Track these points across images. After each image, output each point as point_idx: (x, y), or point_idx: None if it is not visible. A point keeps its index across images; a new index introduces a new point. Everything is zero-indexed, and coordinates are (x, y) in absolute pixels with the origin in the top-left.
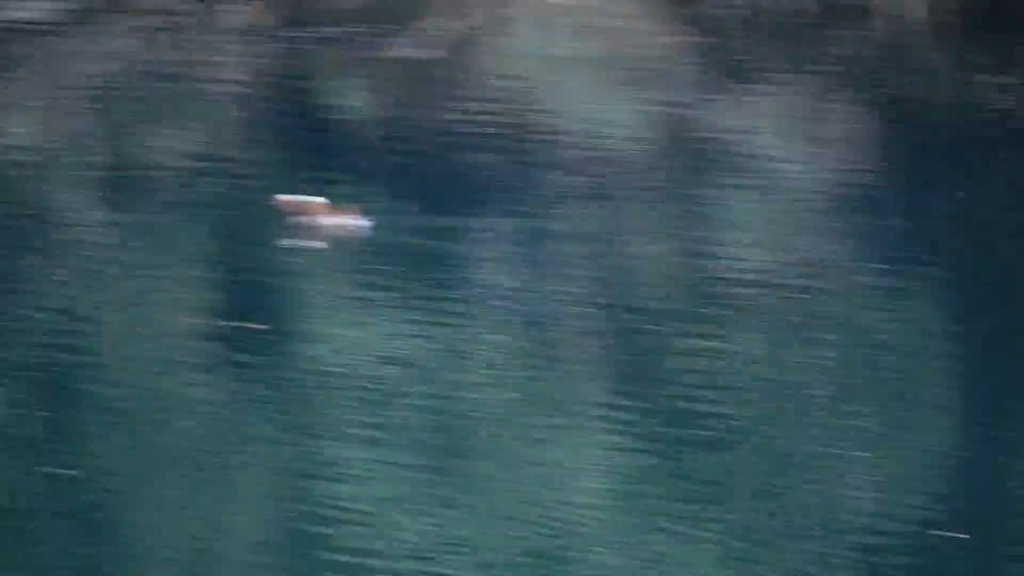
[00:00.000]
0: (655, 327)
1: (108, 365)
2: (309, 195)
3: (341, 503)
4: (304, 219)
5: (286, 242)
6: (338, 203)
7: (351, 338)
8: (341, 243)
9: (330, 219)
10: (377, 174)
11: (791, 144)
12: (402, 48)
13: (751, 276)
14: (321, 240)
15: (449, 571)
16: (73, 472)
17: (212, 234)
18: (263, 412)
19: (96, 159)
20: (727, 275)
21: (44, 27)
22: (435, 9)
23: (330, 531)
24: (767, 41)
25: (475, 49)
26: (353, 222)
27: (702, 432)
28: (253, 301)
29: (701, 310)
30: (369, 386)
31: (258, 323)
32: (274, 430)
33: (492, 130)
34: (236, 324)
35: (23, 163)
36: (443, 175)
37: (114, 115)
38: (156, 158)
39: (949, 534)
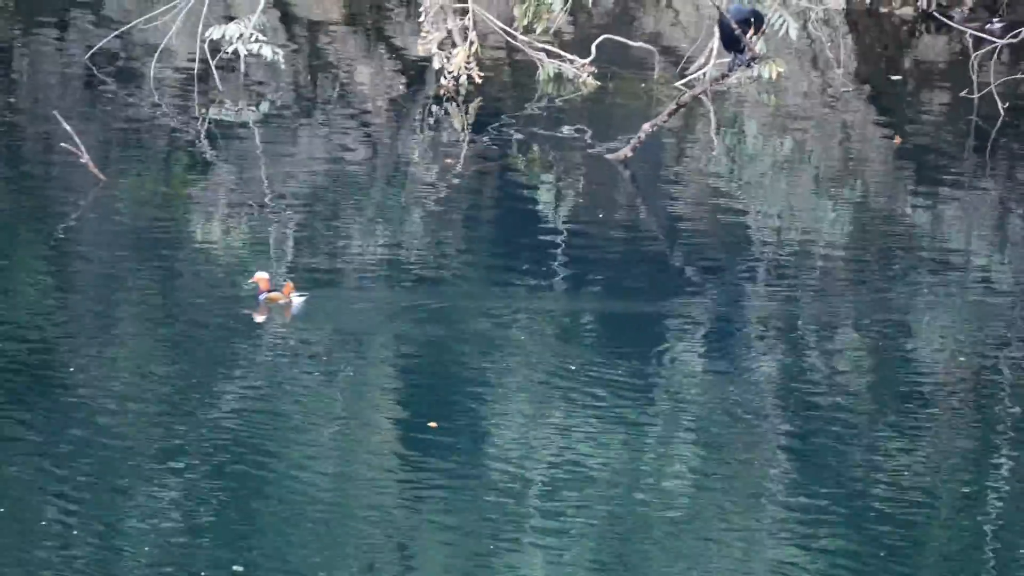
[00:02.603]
0: (850, 426)
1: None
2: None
3: None
4: (272, 295)
5: (259, 318)
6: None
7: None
8: (527, 329)
9: (293, 296)
10: (576, 263)
11: (993, 245)
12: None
13: (951, 376)
14: (288, 315)
15: None
16: None
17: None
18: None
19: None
20: (925, 373)
21: (246, 128)
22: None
23: None
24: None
25: (671, 147)
26: (296, 300)
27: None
28: (427, 397)
29: (896, 408)
30: (548, 488)
31: (434, 422)
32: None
33: (687, 223)
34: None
35: (225, 266)
36: (641, 265)
37: (315, 215)
38: (360, 259)
39: None
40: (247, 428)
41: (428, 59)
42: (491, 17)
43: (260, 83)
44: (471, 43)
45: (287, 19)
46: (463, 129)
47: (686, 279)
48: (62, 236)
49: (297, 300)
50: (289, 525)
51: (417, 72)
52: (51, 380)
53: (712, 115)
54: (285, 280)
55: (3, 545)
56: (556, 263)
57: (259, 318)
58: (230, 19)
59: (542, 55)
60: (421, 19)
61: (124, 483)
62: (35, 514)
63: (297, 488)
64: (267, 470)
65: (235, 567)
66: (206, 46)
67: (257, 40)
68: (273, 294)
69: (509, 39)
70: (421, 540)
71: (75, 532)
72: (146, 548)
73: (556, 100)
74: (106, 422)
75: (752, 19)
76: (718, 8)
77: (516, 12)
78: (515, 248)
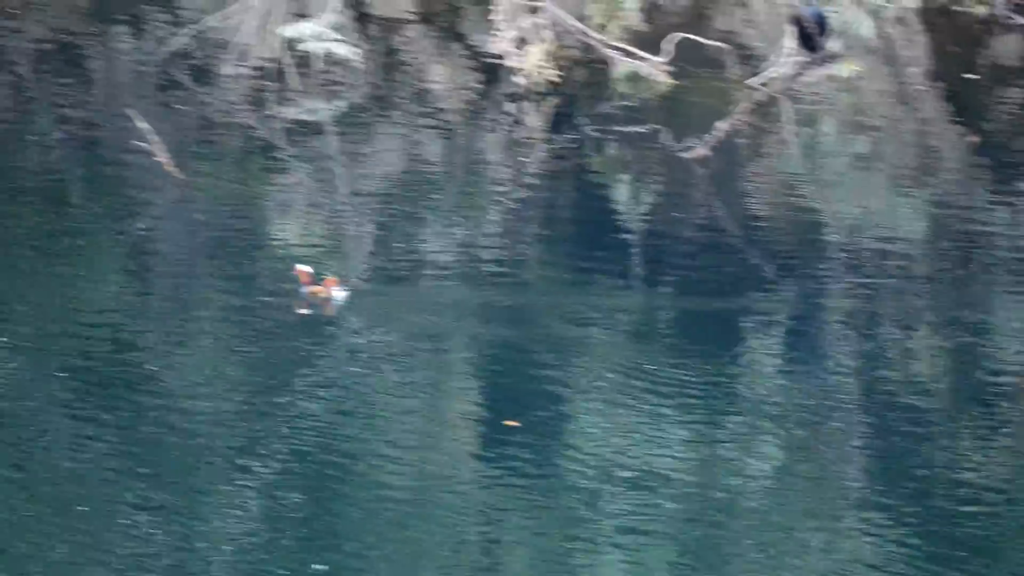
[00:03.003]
0: (924, 425)
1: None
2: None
3: None
4: (315, 289)
5: (302, 311)
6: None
7: (607, 433)
8: (604, 328)
9: (335, 291)
10: (652, 262)
11: None
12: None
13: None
14: (330, 310)
15: None
16: None
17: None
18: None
19: (371, 259)
20: (1003, 371)
21: (321, 126)
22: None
23: None
24: None
25: (746, 146)
26: (339, 294)
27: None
28: (504, 396)
29: (975, 406)
30: (626, 486)
31: (513, 419)
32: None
33: (761, 224)
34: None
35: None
36: (717, 263)
37: (391, 213)
38: (436, 258)
39: None
40: (325, 427)
41: (502, 57)
42: (566, 15)
43: (335, 81)
44: (545, 41)
45: (361, 17)
46: (537, 128)
47: (763, 277)
48: (138, 234)
49: (339, 295)
50: (368, 524)
51: (491, 70)
52: (128, 379)
53: (786, 114)
54: (327, 274)
55: (84, 544)
56: (632, 262)
57: (302, 312)
58: (304, 16)
59: (616, 53)
60: (495, 17)
61: (203, 482)
62: (115, 513)
63: (376, 487)
64: (346, 470)
65: (315, 566)
66: (281, 44)
67: (332, 38)
68: (315, 287)
69: (583, 37)
70: (500, 538)
71: (155, 531)
72: (225, 547)
73: (630, 99)
74: (184, 421)
75: (824, 18)
76: (793, 7)
77: (590, 10)
78: (591, 247)
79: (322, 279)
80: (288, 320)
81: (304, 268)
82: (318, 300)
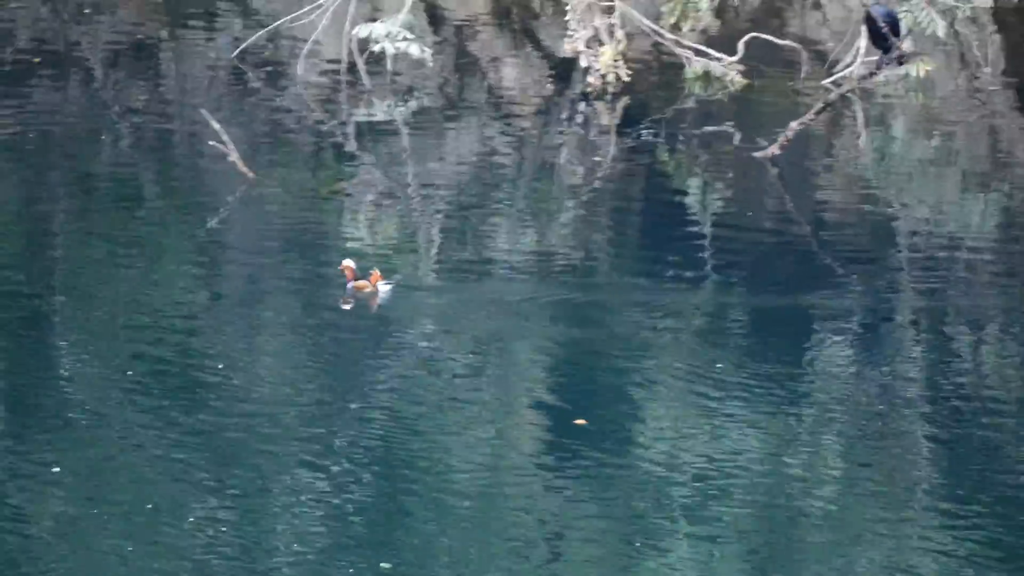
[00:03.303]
0: (996, 423)
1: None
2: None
3: None
4: (359, 284)
5: (346, 305)
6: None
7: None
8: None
9: (379, 285)
10: (724, 260)
11: None
12: (747, 145)
13: None
14: (374, 304)
15: None
16: None
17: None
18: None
19: (442, 258)
20: None
21: (393, 126)
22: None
23: None
24: None
25: (818, 145)
26: (383, 288)
27: None
28: (574, 393)
29: None
30: (697, 483)
31: (582, 419)
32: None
33: (833, 223)
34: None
35: (374, 263)
36: (788, 262)
37: (462, 213)
38: (507, 256)
39: None
40: (394, 425)
41: (575, 57)
42: (638, 15)
43: (407, 81)
44: (618, 41)
45: (434, 17)
46: (610, 127)
47: (834, 276)
48: (211, 233)
49: (384, 289)
50: (437, 523)
51: (564, 70)
52: (200, 377)
53: (859, 113)
54: (373, 270)
55: (153, 540)
56: (703, 260)
57: (345, 306)
58: (377, 16)
59: (689, 53)
60: (568, 17)
61: (272, 481)
62: (184, 511)
63: (445, 485)
64: (414, 468)
65: (383, 564)
66: (353, 44)
67: (404, 38)
68: (360, 282)
69: (656, 37)
70: (570, 536)
71: (224, 529)
72: (295, 546)
73: (703, 98)
74: (253, 419)
75: (897, 18)
76: (866, 6)
77: (663, 10)
78: (662, 245)
79: (368, 274)
80: (358, 318)
81: (349, 263)
82: (363, 295)
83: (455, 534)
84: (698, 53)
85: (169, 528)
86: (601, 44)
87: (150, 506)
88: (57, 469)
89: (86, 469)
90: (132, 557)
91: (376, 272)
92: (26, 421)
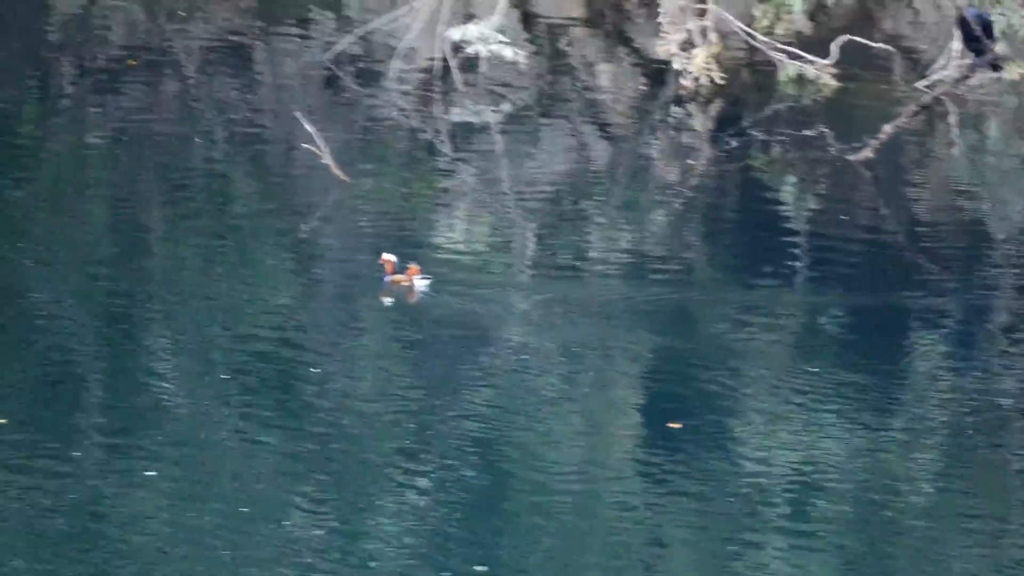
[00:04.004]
0: None
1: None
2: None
3: None
4: (397, 278)
5: (385, 299)
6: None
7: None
8: (769, 330)
9: (417, 280)
10: (818, 264)
11: None
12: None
13: None
14: (412, 298)
15: None
16: None
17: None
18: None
19: (536, 260)
20: None
21: (487, 128)
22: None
23: None
24: None
25: (912, 148)
26: (420, 283)
27: None
28: (668, 397)
29: None
30: (791, 488)
31: (676, 422)
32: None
33: (927, 226)
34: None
35: (468, 265)
36: (883, 266)
37: (556, 214)
38: (602, 258)
39: None
40: (489, 428)
41: (668, 60)
42: (731, 18)
43: (501, 84)
44: (711, 44)
45: (527, 20)
46: (703, 130)
47: (929, 278)
48: (305, 236)
49: (420, 284)
50: (532, 526)
51: (657, 73)
52: (293, 380)
53: (953, 116)
54: (411, 263)
55: (247, 544)
56: (798, 264)
57: (386, 300)
58: (470, 19)
59: (782, 56)
60: (661, 20)
61: (366, 484)
62: (279, 515)
63: (539, 488)
64: (508, 471)
65: (477, 567)
66: (446, 46)
67: (497, 41)
68: (398, 276)
69: (749, 40)
70: (665, 540)
71: (318, 533)
72: (388, 550)
73: (797, 101)
74: (347, 422)
75: (990, 21)
76: (959, 9)
77: (756, 12)
78: (757, 249)
79: (406, 268)
80: (454, 320)
81: (389, 257)
82: (399, 288)
83: (550, 537)
84: (791, 55)
85: (265, 530)
86: (694, 47)
87: (246, 509)
88: (152, 473)
89: (181, 471)
90: (227, 560)
91: (414, 266)
92: (122, 423)
